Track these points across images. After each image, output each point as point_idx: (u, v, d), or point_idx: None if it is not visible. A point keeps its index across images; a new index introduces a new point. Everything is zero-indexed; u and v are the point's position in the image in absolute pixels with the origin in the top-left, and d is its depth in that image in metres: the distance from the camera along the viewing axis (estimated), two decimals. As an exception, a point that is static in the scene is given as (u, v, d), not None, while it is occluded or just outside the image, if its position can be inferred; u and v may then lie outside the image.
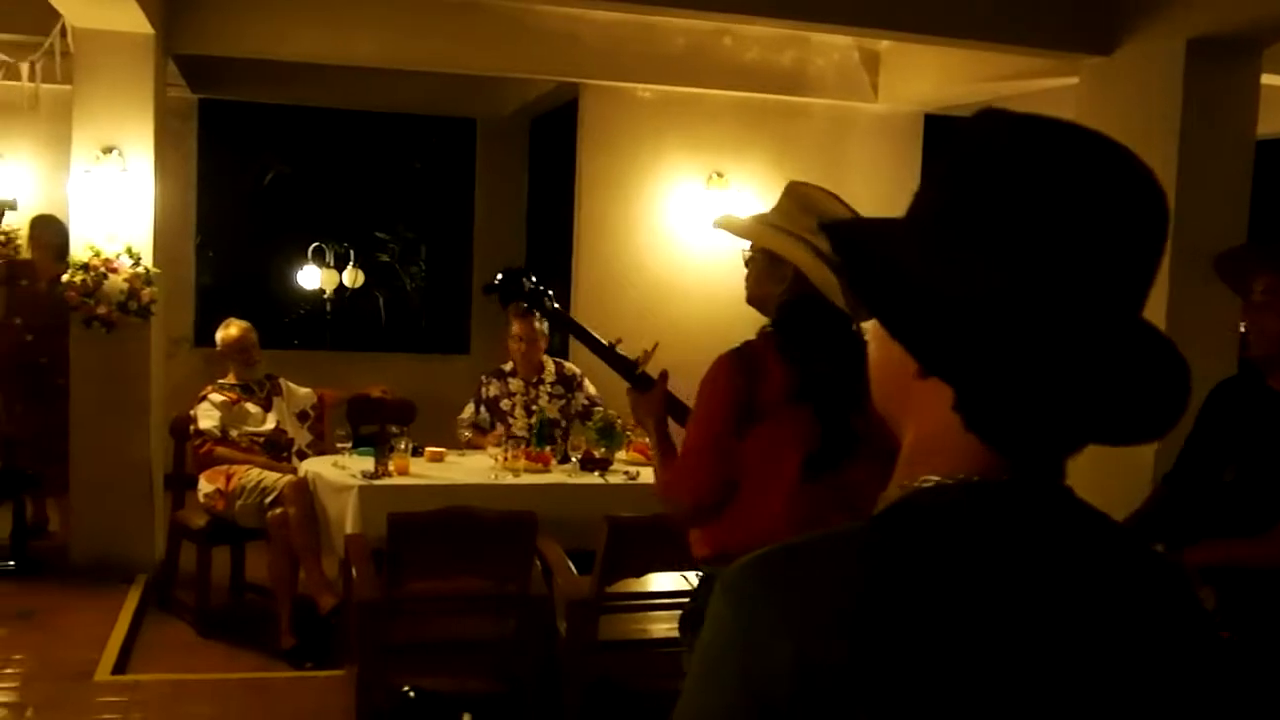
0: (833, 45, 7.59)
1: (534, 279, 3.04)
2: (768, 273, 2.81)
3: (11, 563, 6.38)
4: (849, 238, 1.10)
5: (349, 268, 11.19)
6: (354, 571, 4.79)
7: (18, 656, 5.13)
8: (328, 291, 11.32)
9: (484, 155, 10.00)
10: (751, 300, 2.92)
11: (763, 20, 6.26)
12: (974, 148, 1.03)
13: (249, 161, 12.52)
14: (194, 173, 9.11)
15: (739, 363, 2.73)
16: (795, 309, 2.76)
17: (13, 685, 4.86)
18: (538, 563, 4.73)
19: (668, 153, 7.66)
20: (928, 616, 0.93)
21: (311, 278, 11.12)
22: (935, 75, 7.43)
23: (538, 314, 4.52)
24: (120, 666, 5.19)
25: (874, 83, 7.81)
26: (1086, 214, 0.96)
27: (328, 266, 11.18)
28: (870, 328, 1.11)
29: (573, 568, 4.78)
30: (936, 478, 1.01)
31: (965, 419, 1.00)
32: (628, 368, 2.97)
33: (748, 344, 2.79)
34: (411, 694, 2.42)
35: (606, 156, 7.65)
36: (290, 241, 11.76)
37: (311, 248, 11.12)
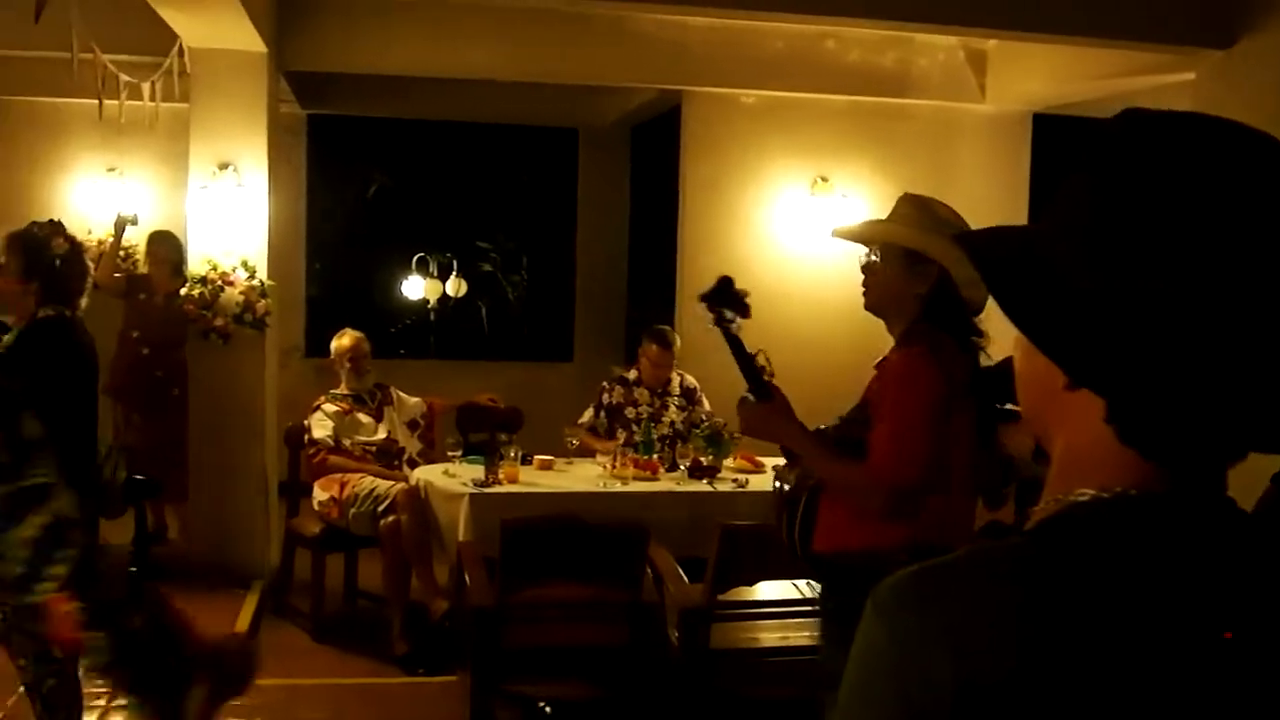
0: (938, 45, 7.48)
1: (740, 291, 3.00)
2: (907, 273, 2.82)
3: (133, 568, 6.55)
4: (987, 248, 1.07)
5: (452, 277, 11.33)
6: (467, 578, 4.84)
7: (142, 660, 5.26)
8: (431, 301, 11.48)
9: (586, 164, 10.05)
10: (877, 305, 2.91)
11: (867, 22, 6.20)
12: (1122, 149, 0.99)
13: (355, 174, 12.75)
14: (303, 186, 9.31)
15: (939, 355, 2.75)
16: (943, 305, 2.77)
17: (138, 688, 4.99)
18: (649, 570, 4.74)
19: (771, 158, 7.61)
20: (1094, 634, 0.90)
21: (415, 288, 11.28)
22: (1045, 74, 7.28)
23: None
24: (240, 671, 5.30)
25: (981, 83, 7.67)
26: (1248, 212, 0.92)
27: (431, 277, 11.32)
28: (1015, 338, 1.08)
29: (683, 575, 4.78)
30: (1092, 491, 0.98)
31: (1119, 431, 0.97)
32: (760, 379, 2.94)
33: (928, 340, 2.78)
34: (548, 710, 2.42)
35: (709, 163, 7.63)
36: (394, 252, 11.95)
37: (415, 258, 11.28)
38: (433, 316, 12.27)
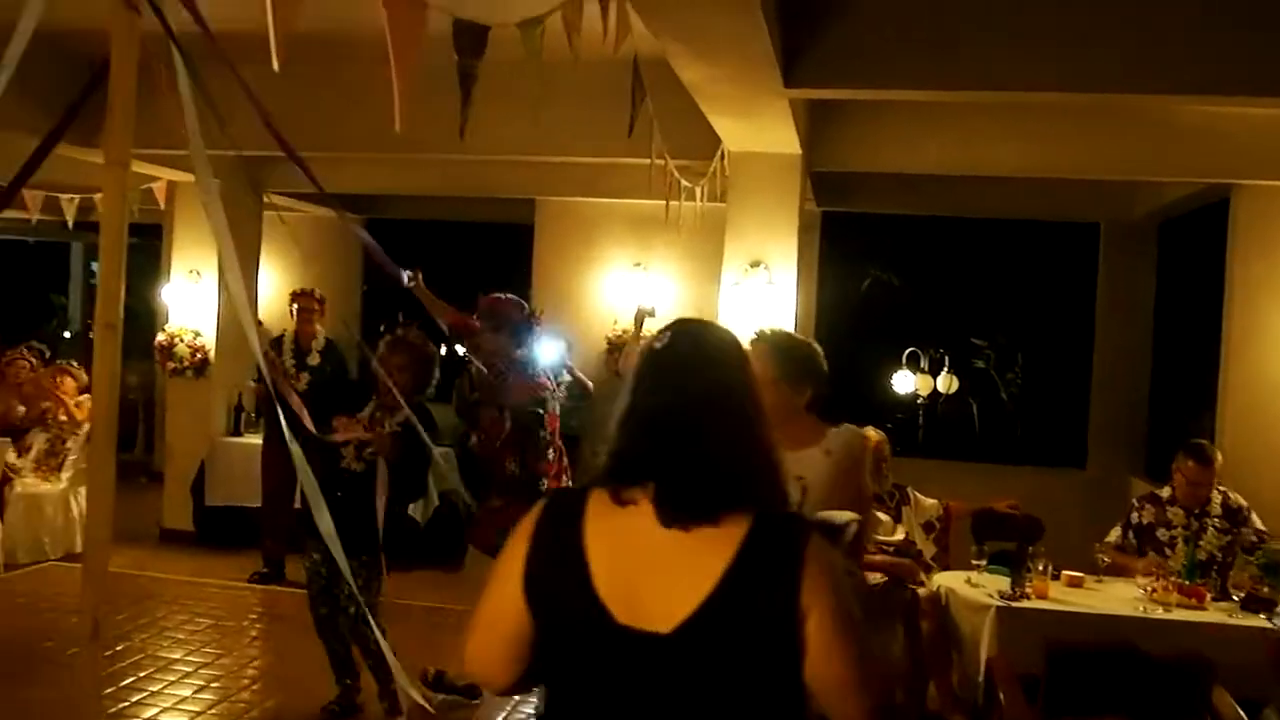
0: None
1: None
2: None
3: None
4: None
5: (943, 373, 11.15)
6: (1001, 696, 4.60)
7: None
8: (922, 396, 11.34)
9: (1108, 260, 9.50)
10: None
11: None
12: None
13: (857, 269, 12.93)
14: (814, 282, 9.49)
15: None
16: None
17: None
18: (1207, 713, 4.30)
19: (1339, 255, 6.88)
20: None
21: (906, 382, 11.20)
22: None
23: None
24: None
25: None
26: None
27: (922, 371, 11.20)
28: None
29: (1248, 722, 4.29)
30: None
31: None
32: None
33: None
34: None
35: (1264, 262, 7.00)
36: (886, 345, 11.95)
37: (907, 352, 11.21)
38: (922, 412, 12.12)
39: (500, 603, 1.84)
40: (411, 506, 7.40)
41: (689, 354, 1.91)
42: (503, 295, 5.78)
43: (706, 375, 1.88)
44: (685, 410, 1.84)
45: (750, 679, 1.74)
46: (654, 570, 1.76)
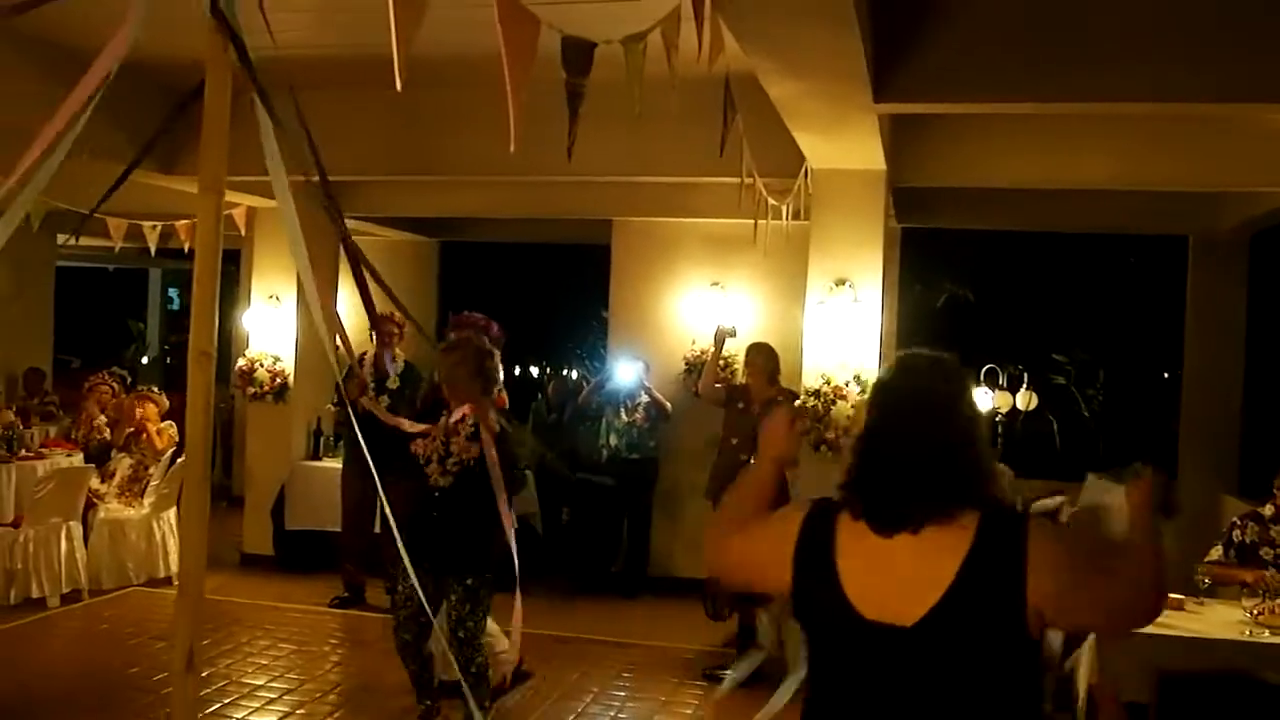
0: None
1: None
2: None
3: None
4: None
5: (1022, 390, 10.97)
6: (1104, 725, 4.46)
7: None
8: (1000, 414, 11.15)
9: (1196, 273, 9.24)
10: None
11: None
12: None
13: (934, 285, 12.78)
14: (895, 299, 9.35)
15: None
16: None
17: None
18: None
19: None
20: None
21: (984, 399, 11.03)
22: None
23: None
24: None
25: None
26: None
27: (1000, 388, 11.03)
28: None
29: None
30: None
31: None
32: None
33: None
34: None
35: (1364, 274, 6.77)
36: (963, 362, 11.78)
37: (984, 369, 11.03)
38: (1000, 430, 11.92)
39: None
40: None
41: (908, 379, 2.18)
42: (473, 313, 5.91)
43: (925, 397, 2.13)
44: (904, 431, 2.11)
45: (985, 662, 2.01)
46: (894, 572, 2.04)
